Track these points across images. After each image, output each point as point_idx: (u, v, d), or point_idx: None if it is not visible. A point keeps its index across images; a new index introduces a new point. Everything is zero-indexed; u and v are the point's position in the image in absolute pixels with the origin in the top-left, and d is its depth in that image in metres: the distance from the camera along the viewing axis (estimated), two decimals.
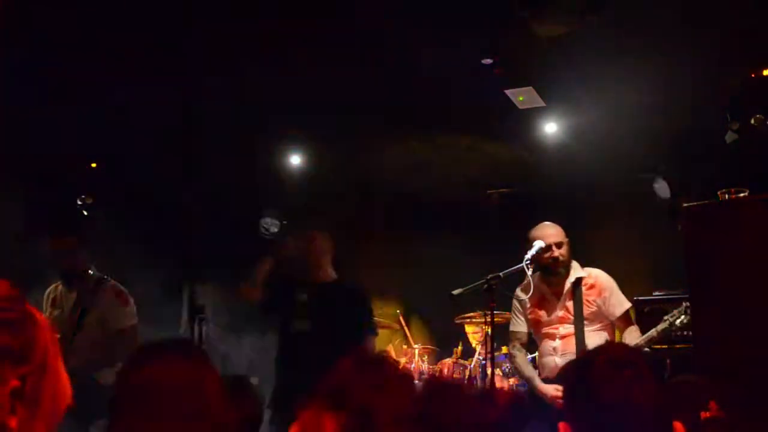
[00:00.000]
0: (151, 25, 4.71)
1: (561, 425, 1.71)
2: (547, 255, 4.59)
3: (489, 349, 4.70)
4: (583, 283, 4.64)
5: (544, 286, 4.69)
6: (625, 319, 4.64)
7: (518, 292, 4.78)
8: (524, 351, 4.84)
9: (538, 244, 4.57)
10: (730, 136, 5.54)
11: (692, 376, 3.21)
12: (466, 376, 6.43)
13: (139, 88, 5.59)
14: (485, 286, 4.36)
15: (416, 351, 6.81)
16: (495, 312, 4.48)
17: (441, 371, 6.56)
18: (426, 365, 6.71)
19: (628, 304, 4.67)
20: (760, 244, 3.74)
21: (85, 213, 6.73)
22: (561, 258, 4.60)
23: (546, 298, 4.70)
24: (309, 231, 4.95)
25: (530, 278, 4.53)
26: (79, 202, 6.76)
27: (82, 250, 4.89)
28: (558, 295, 4.65)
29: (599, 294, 4.61)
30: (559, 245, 4.60)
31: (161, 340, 1.87)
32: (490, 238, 7.44)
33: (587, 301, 4.60)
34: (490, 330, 4.62)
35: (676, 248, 4.48)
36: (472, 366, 6.46)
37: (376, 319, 5.11)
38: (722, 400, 2.49)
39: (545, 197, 7.26)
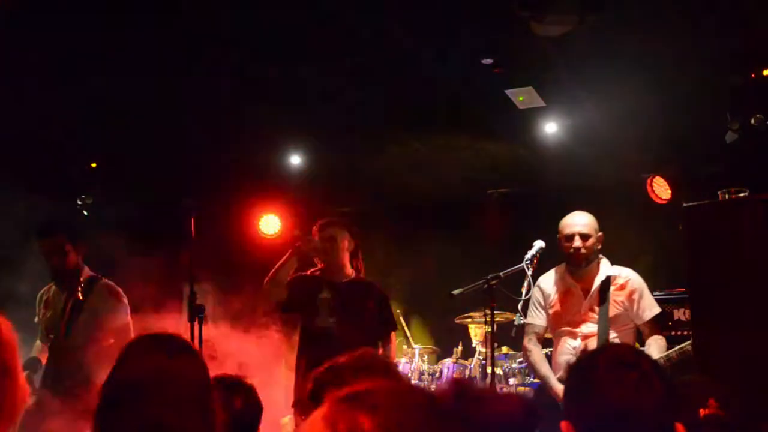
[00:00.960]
0: (147, 18, 4.70)
1: (563, 424, 1.70)
2: (568, 244, 4.39)
3: (489, 349, 4.67)
4: (613, 282, 4.42)
5: (571, 280, 4.48)
6: (653, 325, 4.40)
7: (542, 282, 4.58)
8: (540, 346, 4.62)
9: (538, 244, 4.51)
10: (730, 136, 5.54)
11: (692, 376, 3.20)
12: (466, 376, 6.43)
13: (136, 85, 5.59)
14: (485, 286, 4.31)
15: (416, 351, 6.81)
16: (495, 312, 4.44)
17: (441, 371, 6.56)
18: (426, 365, 6.71)
19: (658, 309, 4.44)
20: (760, 244, 3.73)
21: (85, 213, 6.72)
22: (583, 250, 4.37)
23: (572, 292, 4.48)
24: (331, 230, 4.86)
25: (530, 279, 4.46)
26: (79, 202, 6.76)
27: (73, 248, 4.87)
28: (586, 291, 4.43)
29: (629, 295, 4.39)
30: (584, 237, 4.37)
31: (148, 337, 1.86)
32: (490, 238, 7.45)
33: (615, 301, 4.39)
34: (490, 330, 4.58)
35: (676, 248, 4.47)
36: (472, 366, 6.46)
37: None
38: (722, 399, 2.49)
39: (545, 197, 7.26)
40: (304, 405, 4.32)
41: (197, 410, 1.70)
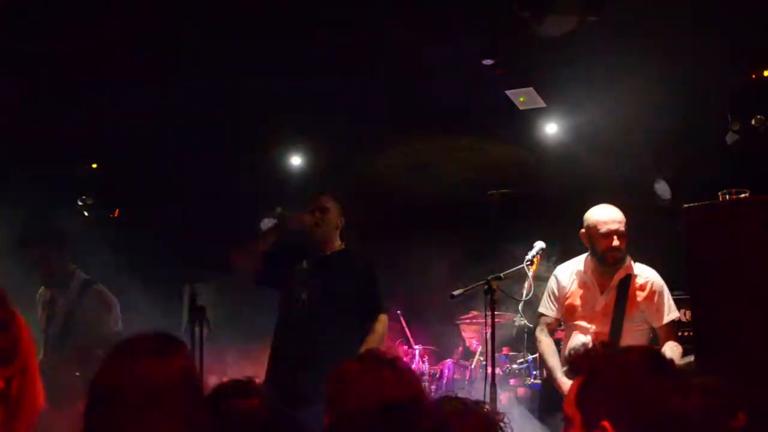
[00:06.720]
0: (147, 23, 4.70)
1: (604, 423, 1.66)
2: (605, 242, 4.16)
3: (489, 350, 4.62)
4: (634, 281, 4.25)
5: (591, 275, 4.30)
6: (669, 330, 4.23)
7: (559, 272, 4.42)
8: (551, 337, 4.42)
9: (538, 245, 4.46)
10: (730, 137, 5.54)
11: (699, 379, 3.18)
12: (467, 377, 6.43)
13: (136, 88, 5.59)
14: (485, 286, 4.28)
15: (416, 352, 6.81)
16: (495, 313, 4.39)
17: (441, 371, 6.56)
18: (426, 366, 6.70)
19: (676, 314, 4.28)
20: (761, 244, 3.73)
21: (86, 214, 6.73)
22: (620, 250, 4.17)
23: (588, 287, 4.31)
24: (324, 201, 4.47)
25: (530, 280, 4.42)
26: (79, 202, 6.76)
27: (57, 255, 4.89)
28: (603, 287, 4.26)
29: (649, 296, 4.23)
30: (621, 236, 4.17)
31: (137, 337, 1.84)
32: (490, 238, 7.45)
33: (634, 301, 4.22)
34: (490, 330, 4.54)
35: (677, 249, 4.46)
36: (472, 366, 6.45)
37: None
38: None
39: (545, 197, 7.26)
40: (272, 376, 4.00)
41: (148, 416, 1.67)
